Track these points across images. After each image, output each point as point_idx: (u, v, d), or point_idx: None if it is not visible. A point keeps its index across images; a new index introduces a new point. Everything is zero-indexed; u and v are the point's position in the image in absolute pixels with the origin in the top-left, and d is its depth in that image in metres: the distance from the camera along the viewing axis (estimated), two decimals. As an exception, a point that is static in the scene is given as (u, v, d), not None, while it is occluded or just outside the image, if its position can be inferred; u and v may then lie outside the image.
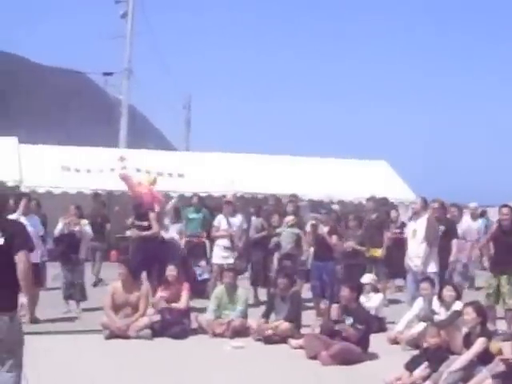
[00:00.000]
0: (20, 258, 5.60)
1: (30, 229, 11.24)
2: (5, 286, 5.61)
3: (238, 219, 13.86)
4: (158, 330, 10.68)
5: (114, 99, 33.14)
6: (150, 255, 12.25)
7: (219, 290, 11.49)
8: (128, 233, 14.08)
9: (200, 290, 13.47)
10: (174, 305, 10.95)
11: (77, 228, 12.49)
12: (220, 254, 13.56)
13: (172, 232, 14.16)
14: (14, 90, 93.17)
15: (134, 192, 13.08)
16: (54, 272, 13.47)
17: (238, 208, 17.24)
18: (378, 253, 13.71)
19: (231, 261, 13.31)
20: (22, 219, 11.34)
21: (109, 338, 10.45)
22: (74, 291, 12.38)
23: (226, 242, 13.54)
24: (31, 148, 21.21)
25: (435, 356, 8.38)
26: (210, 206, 17.13)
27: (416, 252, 12.03)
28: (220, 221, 13.81)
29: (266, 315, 10.82)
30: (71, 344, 10.00)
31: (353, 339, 9.39)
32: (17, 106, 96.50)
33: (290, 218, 13.85)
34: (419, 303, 10.58)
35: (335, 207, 16.87)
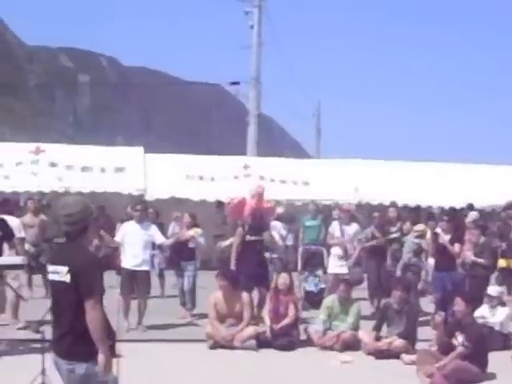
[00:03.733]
0: (86, 308, 4.67)
1: (144, 237, 11.43)
2: (73, 331, 4.74)
3: (352, 228, 13.28)
4: (263, 341, 10.31)
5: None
6: (256, 266, 11.86)
7: (330, 299, 10.99)
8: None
9: (316, 300, 13.00)
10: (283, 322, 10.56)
11: (189, 236, 12.35)
12: (335, 264, 13.05)
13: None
14: (156, 105, 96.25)
15: (259, 205, 12.80)
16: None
17: (363, 216, 16.76)
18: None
19: (346, 270, 12.76)
20: (137, 227, 11.38)
21: (213, 347, 10.18)
22: (186, 299, 12.30)
23: (339, 251, 13.03)
24: (156, 157, 21.44)
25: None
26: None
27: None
28: (334, 228, 13.32)
29: (378, 328, 10.21)
30: (174, 352, 9.79)
31: (461, 357, 8.62)
32: (160, 121, 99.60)
33: (420, 227, 13.21)
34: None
35: (474, 214, 15.64)
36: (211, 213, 19.92)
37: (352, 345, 10.26)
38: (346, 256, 12.94)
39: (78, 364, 4.71)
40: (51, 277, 4.87)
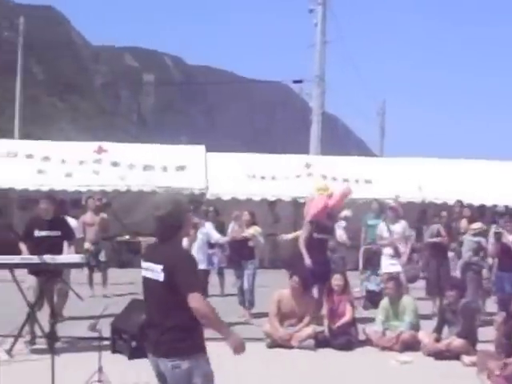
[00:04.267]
0: (191, 303, 4.59)
1: (199, 235, 11.48)
2: (173, 328, 4.70)
3: (400, 226, 13.02)
4: (322, 341, 10.22)
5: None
6: (320, 265, 11.78)
7: (385, 300, 10.84)
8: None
9: (377, 300, 12.84)
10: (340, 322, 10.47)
11: (249, 235, 12.33)
12: (387, 263, 12.86)
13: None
14: (220, 103, 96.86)
15: (337, 205, 12.76)
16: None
17: (428, 215, 16.50)
18: None
19: (399, 268, 12.55)
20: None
21: (271, 346, 10.13)
22: (245, 298, 12.29)
23: (390, 250, 12.82)
24: (218, 156, 21.55)
25: None
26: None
27: None
28: (381, 229, 13.11)
29: (439, 330, 10.02)
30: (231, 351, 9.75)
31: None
32: (224, 120, 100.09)
33: (477, 225, 12.92)
34: None
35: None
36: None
37: (412, 345, 10.08)
38: (397, 255, 12.72)
39: (182, 360, 4.69)
40: (144, 273, 4.85)
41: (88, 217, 14.56)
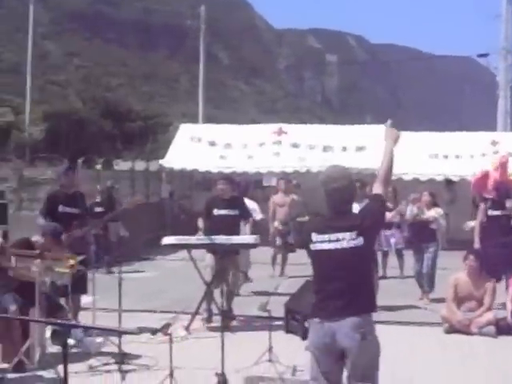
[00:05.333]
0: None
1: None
2: (362, 293, 4.76)
3: None
4: (504, 328, 9.71)
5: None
6: (501, 247, 11.18)
7: None
8: None
9: None
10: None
11: (430, 217, 11.96)
12: None
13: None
14: (405, 81, 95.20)
15: (503, 177, 12.17)
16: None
17: None
18: None
19: None
20: (356, 206, 11.20)
21: (449, 332, 9.77)
22: (424, 281, 11.96)
23: None
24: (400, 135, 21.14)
25: None
26: None
27: None
28: None
29: None
30: (407, 335, 9.55)
31: None
32: (410, 98, 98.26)
33: None
34: None
35: None
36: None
37: None
38: None
39: (367, 323, 4.69)
40: (323, 246, 4.80)
41: (278, 197, 14.79)
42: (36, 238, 8.02)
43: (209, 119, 32.17)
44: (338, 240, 4.75)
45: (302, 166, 19.45)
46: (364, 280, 4.80)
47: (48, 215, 9.11)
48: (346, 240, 4.72)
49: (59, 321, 4.83)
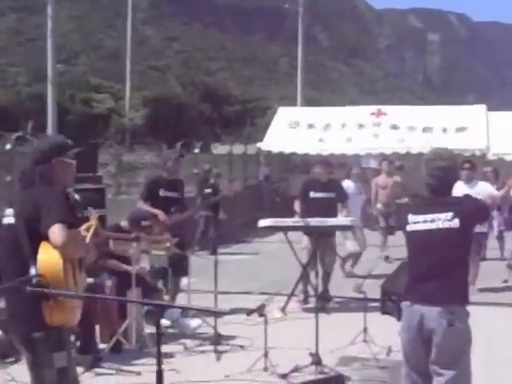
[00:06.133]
0: None
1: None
2: (457, 276, 4.68)
3: None
4: None
5: None
6: None
7: None
8: None
9: None
10: None
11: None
12: None
13: None
14: (509, 58, 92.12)
15: None
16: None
17: None
18: None
19: None
20: (464, 187, 11.02)
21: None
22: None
23: None
24: (499, 115, 20.54)
25: None
26: None
27: None
28: None
29: None
30: (507, 317, 9.34)
31: None
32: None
33: None
34: None
35: None
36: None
37: None
38: None
39: (457, 311, 4.62)
40: (418, 227, 4.76)
41: (381, 179, 14.71)
42: (124, 223, 8.22)
43: (308, 101, 32.14)
44: (433, 221, 4.69)
45: (402, 147, 19.18)
46: (456, 267, 4.67)
47: (149, 199, 9.27)
48: (442, 220, 4.65)
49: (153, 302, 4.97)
